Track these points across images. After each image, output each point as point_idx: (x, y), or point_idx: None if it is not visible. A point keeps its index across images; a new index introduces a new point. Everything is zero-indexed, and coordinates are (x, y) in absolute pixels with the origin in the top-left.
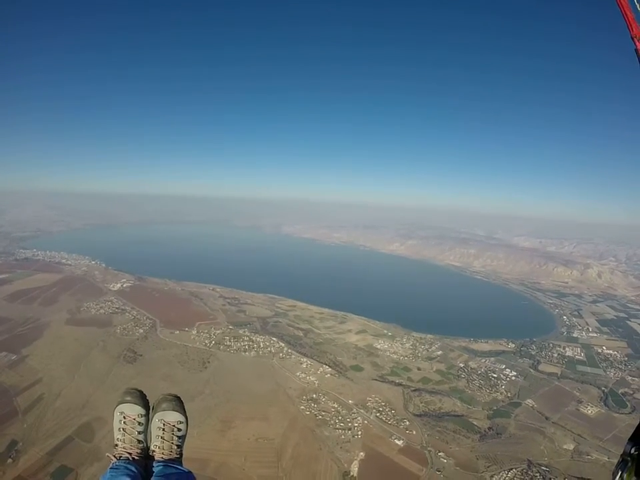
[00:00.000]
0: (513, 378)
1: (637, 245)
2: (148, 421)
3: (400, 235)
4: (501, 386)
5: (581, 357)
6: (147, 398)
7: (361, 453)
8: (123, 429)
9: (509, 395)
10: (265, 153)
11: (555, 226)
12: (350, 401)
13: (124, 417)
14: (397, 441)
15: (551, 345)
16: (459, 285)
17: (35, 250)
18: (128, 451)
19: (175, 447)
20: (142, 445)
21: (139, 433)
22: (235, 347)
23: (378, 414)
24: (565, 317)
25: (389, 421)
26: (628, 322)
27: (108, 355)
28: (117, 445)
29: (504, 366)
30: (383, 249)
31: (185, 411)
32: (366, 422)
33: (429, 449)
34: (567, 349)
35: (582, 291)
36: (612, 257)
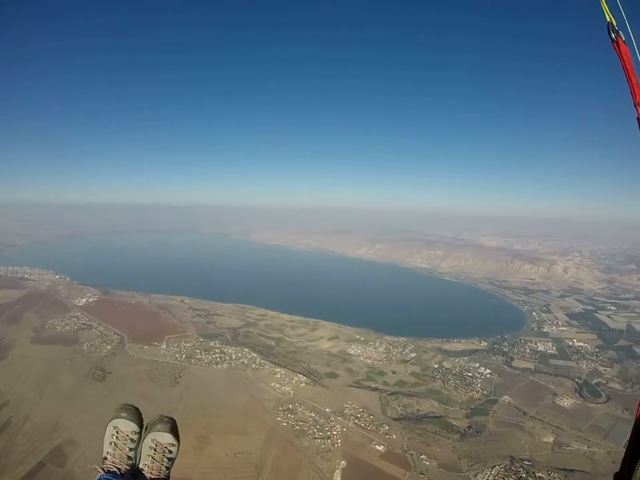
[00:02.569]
0: (488, 376)
1: (600, 240)
2: (140, 438)
3: (368, 239)
4: (477, 384)
5: (552, 351)
6: (142, 416)
7: (342, 462)
8: (115, 444)
9: (485, 393)
10: (232, 158)
11: (520, 225)
12: (327, 409)
13: (117, 432)
14: (377, 447)
15: (522, 340)
16: (428, 286)
17: None
18: (117, 466)
19: (164, 469)
20: (131, 461)
21: (130, 449)
22: (206, 360)
23: (356, 420)
24: (534, 313)
25: (368, 426)
26: (596, 314)
27: (76, 373)
28: (105, 458)
29: (478, 364)
30: (351, 253)
31: (178, 434)
32: (345, 429)
33: (410, 452)
34: (538, 343)
35: (549, 286)
36: (576, 252)
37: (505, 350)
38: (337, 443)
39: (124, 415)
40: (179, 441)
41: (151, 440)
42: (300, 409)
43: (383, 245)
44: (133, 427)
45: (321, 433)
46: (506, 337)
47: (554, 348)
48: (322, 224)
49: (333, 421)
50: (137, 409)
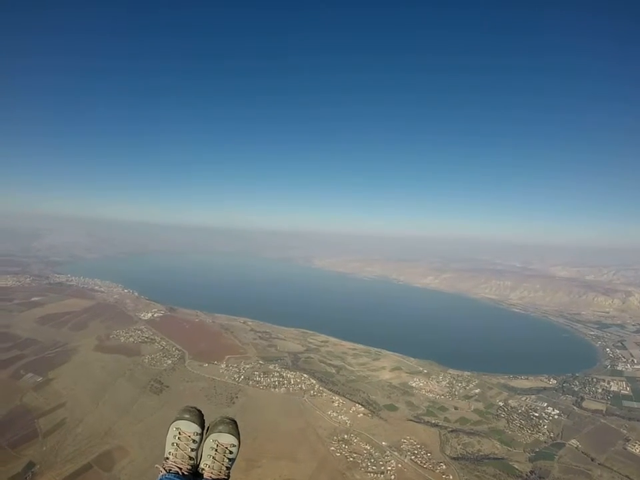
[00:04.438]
0: (556, 417)
1: None
2: (202, 439)
3: (434, 268)
4: (543, 425)
5: (626, 392)
6: (204, 418)
7: None
8: (177, 444)
9: (552, 435)
10: (294, 184)
11: (592, 253)
12: (383, 443)
13: (179, 433)
14: None
15: (594, 379)
16: (495, 318)
17: (69, 275)
18: (178, 466)
19: (225, 469)
20: (192, 461)
21: (192, 450)
22: (264, 383)
23: (413, 457)
24: (608, 349)
25: (425, 464)
26: None
27: (134, 384)
28: (167, 459)
29: (546, 404)
30: (417, 282)
31: (239, 435)
32: (400, 465)
33: None
34: (611, 383)
35: (624, 320)
36: None
37: (576, 389)
38: (391, 479)
39: (186, 416)
40: (239, 442)
41: (212, 441)
42: (355, 440)
43: (449, 275)
44: (195, 428)
45: (374, 467)
46: (577, 374)
47: (628, 388)
48: (385, 251)
49: (388, 456)
50: (199, 410)
